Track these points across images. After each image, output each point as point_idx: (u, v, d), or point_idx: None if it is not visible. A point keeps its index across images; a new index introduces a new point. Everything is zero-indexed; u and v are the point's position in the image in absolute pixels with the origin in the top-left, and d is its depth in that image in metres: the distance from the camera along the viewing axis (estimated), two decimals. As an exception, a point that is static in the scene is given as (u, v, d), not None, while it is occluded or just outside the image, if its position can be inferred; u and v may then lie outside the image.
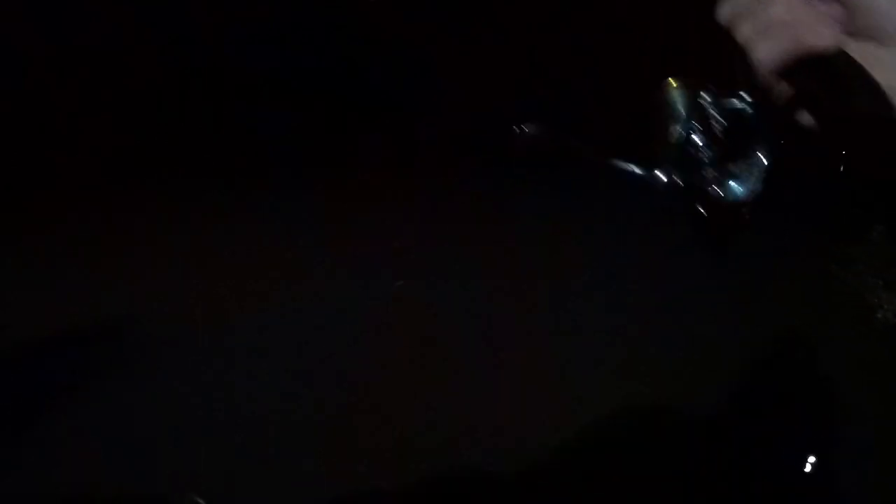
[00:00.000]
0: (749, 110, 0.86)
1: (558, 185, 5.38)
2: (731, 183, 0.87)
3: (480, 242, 4.57)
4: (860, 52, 0.74)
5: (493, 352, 3.82)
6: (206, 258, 4.39)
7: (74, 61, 5.51)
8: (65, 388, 3.56)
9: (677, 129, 0.87)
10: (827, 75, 0.78)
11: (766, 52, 0.77)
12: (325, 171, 5.30)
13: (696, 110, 0.88)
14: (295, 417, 3.44)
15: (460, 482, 3.16)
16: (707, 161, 0.87)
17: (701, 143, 0.87)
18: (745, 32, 0.79)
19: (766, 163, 0.87)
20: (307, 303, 4.09)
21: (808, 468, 3.26)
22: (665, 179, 0.88)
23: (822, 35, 0.74)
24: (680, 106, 0.89)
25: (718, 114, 0.87)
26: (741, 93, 0.86)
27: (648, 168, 0.89)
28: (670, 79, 0.91)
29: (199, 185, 5.05)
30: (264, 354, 3.78)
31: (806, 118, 0.86)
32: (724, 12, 0.80)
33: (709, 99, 0.88)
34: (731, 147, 0.87)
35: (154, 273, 4.27)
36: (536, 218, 4.87)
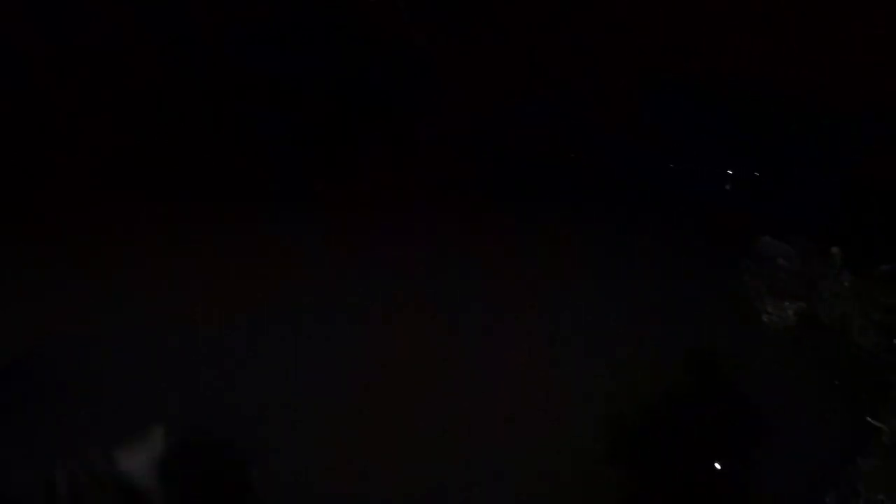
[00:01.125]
0: None
1: (558, 186, 5.39)
2: None
3: (480, 242, 4.57)
4: None
5: (494, 352, 3.82)
6: (206, 258, 4.39)
7: (74, 61, 5.52)
8: (64, 384, 3.56)
9: None
10: None
11: None
12: (325, 171, 5.31)
13: None
14: (294, 417, 3.44)
15: (460, 481, 3.16)
16: None
17: None
18: None
19: None
20: (307, 303, 4.09)
21: (716, 465, 3.47)
22: None
23: None
24: None
25: None
26: None
27: None
28: None
29: (199, 185, 5.06)
30: (264, 355, 3.79)
31: None
32: None
33: None
34: None
35: (153, 273, 4.27)
36: (536, 218, 4.88)
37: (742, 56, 5.88)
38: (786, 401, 3.89)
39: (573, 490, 3.31)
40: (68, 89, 5.59)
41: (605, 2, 6.39)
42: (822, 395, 3.96)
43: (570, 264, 4.42)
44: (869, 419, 3.71)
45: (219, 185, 5.14)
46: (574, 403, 3.63)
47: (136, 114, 5.63)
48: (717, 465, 3.58)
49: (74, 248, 4.43)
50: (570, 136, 5.81)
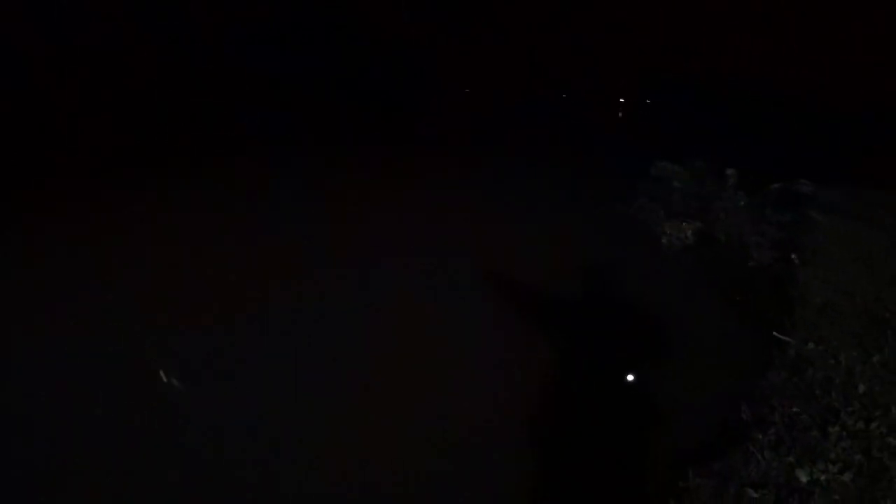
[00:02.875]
0: None
1: (557, 186, 5.40)
2: None
3: (479, 241, 4.57)
4: None
5: (492, 349, 3.82)
6: (206, 257, 4.40)
7: (74, 61, 5.52)
8: (64, 381, 3.56)
9: None
10: None
11: None
12: (325, 170, 5.31)
13: None
14: (293, 415, 3.44)
15: (460, 478, 3.16)
16: None
17: None
18: None
19: None
20: (307, 301, 4.09)
21: (629, 378, 3.56)
22: None
23: None
24: None
25: None
26: None
27: None
28: None
29: (199, 184, 5.05)
30: (263, 353, 3.78)
31: None
32: None
33: None
34: None
35: (153, 272, 4.27)
36: (535, 217, 4.88)
37: (742, 56, 5.90)
38: (690, 318, 3.93)
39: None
40: (68, 89, 5.60)
41: (605, 2, 6.42)
42: (726, 312, 4.02)
43: (568, 263, 4.42)
44: (776, 334, 3.70)
45: (219, 184, 5.15)
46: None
47: (136, 114, 5.64)
48: (630, 378, 3.59)
49: (74, 246, 4.44)
50: (570, 136, 5.83)
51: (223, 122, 5.37)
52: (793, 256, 4.29)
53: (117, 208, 4.78)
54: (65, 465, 3.16)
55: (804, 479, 2.87)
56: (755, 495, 2.81)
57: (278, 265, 4.44)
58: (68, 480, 3.08)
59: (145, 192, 4.89)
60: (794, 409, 3.20)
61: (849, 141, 5.32)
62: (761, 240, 4.56)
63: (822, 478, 2.85)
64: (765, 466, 2.94)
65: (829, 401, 3.21)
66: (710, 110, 5.59)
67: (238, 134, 5.36)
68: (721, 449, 3.08)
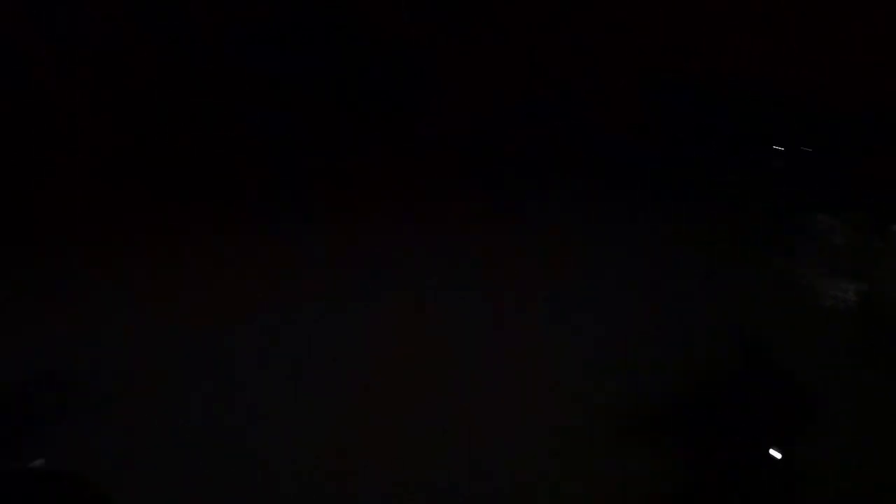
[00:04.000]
0: None
1: (557, 187, 5.40)
2: None
3: (479, 242, 4.57)
4: None
5: (492, 351, 3.82)
6: (206, 258, 4.40)
7: (74, 61, 5.52)
8: (65, 381, 3.56)
9: None
10: None
11: None
12: (326, 170, 5.32)
13: None
14: (293, 415, 3.44)
15: (460, 479, 3.16)
16: None
17: None
18: None
19: None
20: (307, 301, 4.09)
21: (776, 453, 3.35)
22: None
23: None
24: None
25: None
26: None
27: None
28: None
29: (199, 185, 5.06)
30: (264, 354, 3.78)
31: None
32: None
33: None
34: None
35: (153, 272, 4.27)
36: (535, 218, 4.88)
37: (742, 56, 5.89)
38: (850, 388, 3.67)
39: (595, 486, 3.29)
40: (68, 89, 5.60)
41: (605, 2, 6.41)
42: (888, 382, 3.73)
43: (568, 264, 4.42)
44: None
45: (219, 185, 5.15)
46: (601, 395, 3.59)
47: (136, 114, 5.64)
48: (776, 454, 3.35)
49: (74, 246, 4.44)
50: (570, 136, 5.82)
51: (223, 122, 5.37)
52: None
53: (117, 207, 4.79)
54: (65, 463, 3.17)
55: None
56: None
57: (278, 265, 4.44)
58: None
59: (145, 191, 4.90)
60: None
61: (849, 141, 5.31)
62: None
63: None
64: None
65: None
66: (711, 110, 5.56)
67: (238, 134, 5.36)
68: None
